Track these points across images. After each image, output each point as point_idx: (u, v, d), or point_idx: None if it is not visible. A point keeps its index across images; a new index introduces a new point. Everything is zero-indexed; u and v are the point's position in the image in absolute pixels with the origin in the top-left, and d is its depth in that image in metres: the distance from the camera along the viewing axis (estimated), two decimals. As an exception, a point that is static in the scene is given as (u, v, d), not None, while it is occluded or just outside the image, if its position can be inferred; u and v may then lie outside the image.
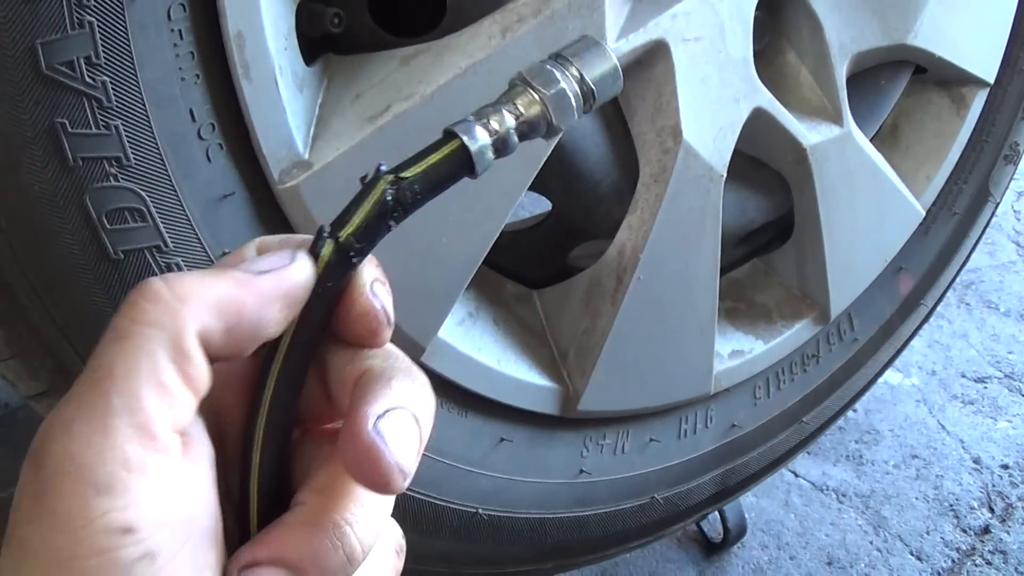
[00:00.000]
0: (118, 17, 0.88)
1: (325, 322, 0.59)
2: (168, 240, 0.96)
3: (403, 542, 0.64)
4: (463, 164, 0.58)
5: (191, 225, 0.97)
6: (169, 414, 0.50)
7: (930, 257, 1.88)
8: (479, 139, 0.58)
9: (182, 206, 0.97)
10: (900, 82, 1.73)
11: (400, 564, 0.64)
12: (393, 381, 0.57)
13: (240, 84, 0.97)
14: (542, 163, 1.18)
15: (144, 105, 0.92)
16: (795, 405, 1.75)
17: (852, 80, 1.55)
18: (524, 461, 1.39)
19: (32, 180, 0.89)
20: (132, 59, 0.90)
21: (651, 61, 1.26)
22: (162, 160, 0.94)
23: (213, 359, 0.53)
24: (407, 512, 1.27)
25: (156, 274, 0.94)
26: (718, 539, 1.96)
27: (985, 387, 2.48)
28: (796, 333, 1.68)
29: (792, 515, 2.07)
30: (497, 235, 1.20)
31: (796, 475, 2.17)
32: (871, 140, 1.67)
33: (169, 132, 0.94)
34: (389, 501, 0.60)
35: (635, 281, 1.34)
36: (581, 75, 0.61)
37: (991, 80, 1.78)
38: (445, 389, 1.27)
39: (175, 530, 0.50)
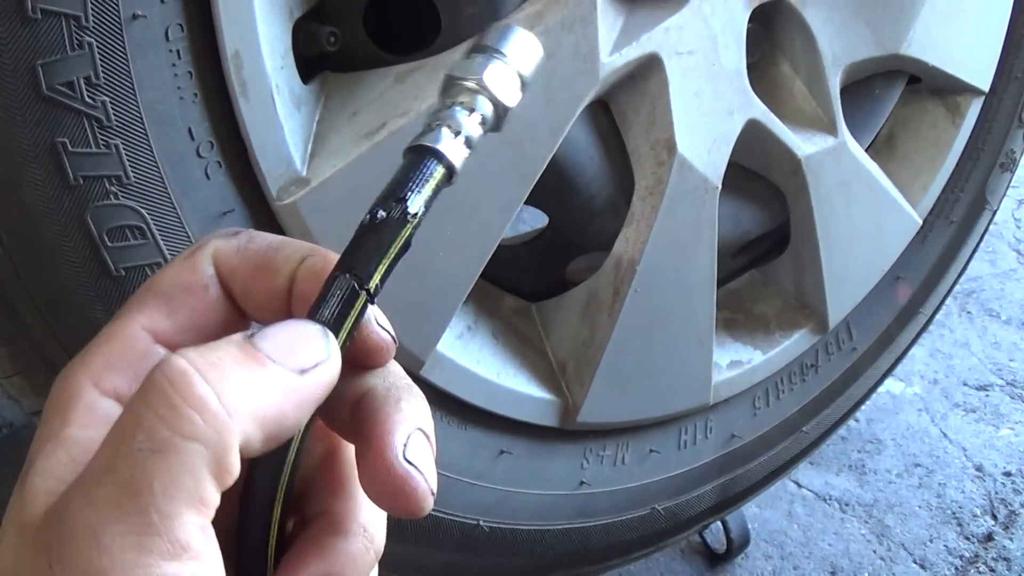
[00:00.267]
0: (117, 38, 0.89)
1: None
2: (169, 257, 0.97)
3: None
4: (447, 180, 0.58)
5: (191, 242, 0.98)
6: (202, 522, 0.47)
7: (928, 266, 1.88)
8: (455, 150, 0.57)
9: (182, 223, 0.98)
10: (894, 92, 1.74)
11: None
12: (402, 403, 0.56)
13: (238, 102, 0.98)
14: (537, 177, 1.19)
15: (143, 124, 0.93)
16: (795, 415, 1.75)
17: (846, 90, 1.56)
18: (524, 473, 1.40)
19: (34, 198, 0.90)
20: (131, 79, 0.91)
21: (645, 75, 1.27)
22: (162, 178, 0.95)
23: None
24: (408, 525, 1.27)
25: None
26: (722, 550, 1.96)
27: (987, 395, 2.48)
28: (794, 343, 1.69)
29: (795, 525, 2.07)
30: (494, 249, 1.21)
31: (799, 485, 2.17)
32: (866, 150, 1.68)
33: (168, 151, 0.95)
34: None
35: (632, 293, 1.35)
36: (502, 52, 0.60)
37: (986, 88, 1.79)
38: (444, 402, 1.27)
39: None
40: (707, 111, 1.33)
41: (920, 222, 1.78)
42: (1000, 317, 2.78)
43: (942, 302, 1.95)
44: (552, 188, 1.29)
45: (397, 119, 1.07)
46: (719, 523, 1.90)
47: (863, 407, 1.98)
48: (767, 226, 1.62)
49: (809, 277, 1.65)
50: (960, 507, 2.12)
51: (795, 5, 1.42)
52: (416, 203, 0.55)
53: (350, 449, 0.59)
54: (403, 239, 0.55)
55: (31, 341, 0.99)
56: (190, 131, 0.97)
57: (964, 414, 2.41)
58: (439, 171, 0.57)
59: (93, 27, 0.88)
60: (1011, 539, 2.04)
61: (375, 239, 0.55)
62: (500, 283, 1.41)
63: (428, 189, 0.56)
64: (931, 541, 2.04)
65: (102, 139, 0.91)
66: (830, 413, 1.81)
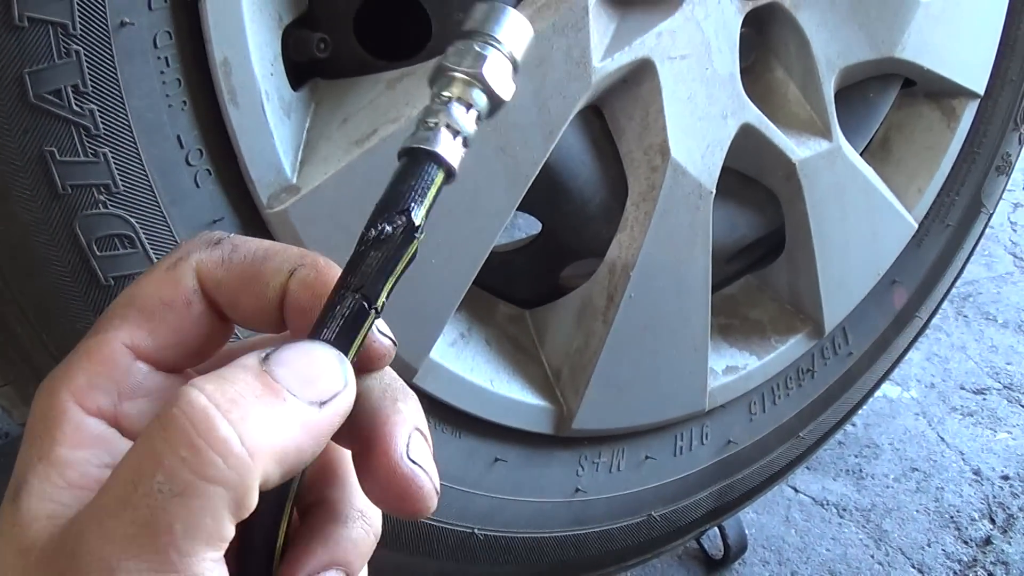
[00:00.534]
0: (104, 46, 0.89)
1: None
2: (158, 267, 0.96)
3: None
4: (446, 180, 0.56)
5: (181, 251, 0.97)
6: (217, 555, 0.47)
7: (924, 270, 1.87)
8: (453, 152, 0.56)
9: (171, 232, 0.97)
10: (889, 95, 1.73)
11: None
12: (399, 403, 0.55)
13: (227, 110, 0.98)
14: (530, 183, 1.19)
15: (132, 132, 0.92)
16: (791, 420, 1.74)
17: (841, 94, 1.55)
18: (519, 481, 1.39)
19: (22, 208, 0.90)
20: (119, 87, 0.90)
21: (637, 79, 1.27)
22: (151, 187, 0.94)
23: None
24: (402, 533, 1.27)
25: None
26: (719, 556, 1.95)
27: (984, 399, 2.47)
28: (790, 348, 1.68)
29: (793, 531, 2.06)
30: (487, 255, 1.20)
31: (796, 490, 2.16)
32: (861, 154, 1.67)
33: (157, 159, 0.95)
34: None
35: (627, 299, 1.34)
36: (496, 37, 0.58)
37: (981, 91, 1.79)
38: (438, 410, 1.27)
39: None
40: (701, 116, 1.32)
41: (916, 226, 1.78)
42: (997, 321, 2.78)
43: (938, 306, 1.95)
44: (545, 194, 1.29)
45: (388, 125, 1.06)
46: (716, 529, 1.90)
47: (860, 412, 1.98)
48: (762, 231, 1.62)
49: (804, 282, 1.65)
50: (958, 511, 2.12)
51: (789, 9, 1.41)
52: (420, 214, 0.54)
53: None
54: (410, 255, 0.55)
55: (21, 352, 0.98)
56: (179, 139, 0.96)
57: (961, 418, 2.40)
58: (439, 176, 0.56)
59: (80, 35, 0.87)
60: (1009, 543, 2.03)
61: (381, 255, 0.54)
62: (494, 290, 1.40)
63: (430, 197, 0.55)
64: (929, 545, 2.03)
65: (90, 147, 0.90)
66: (827, 418, 1.81)
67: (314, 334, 0.53)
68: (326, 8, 1.10)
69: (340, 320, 0.53)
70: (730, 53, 1.35)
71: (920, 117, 1.81)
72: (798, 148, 1.48)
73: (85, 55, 0.88)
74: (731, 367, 1.61)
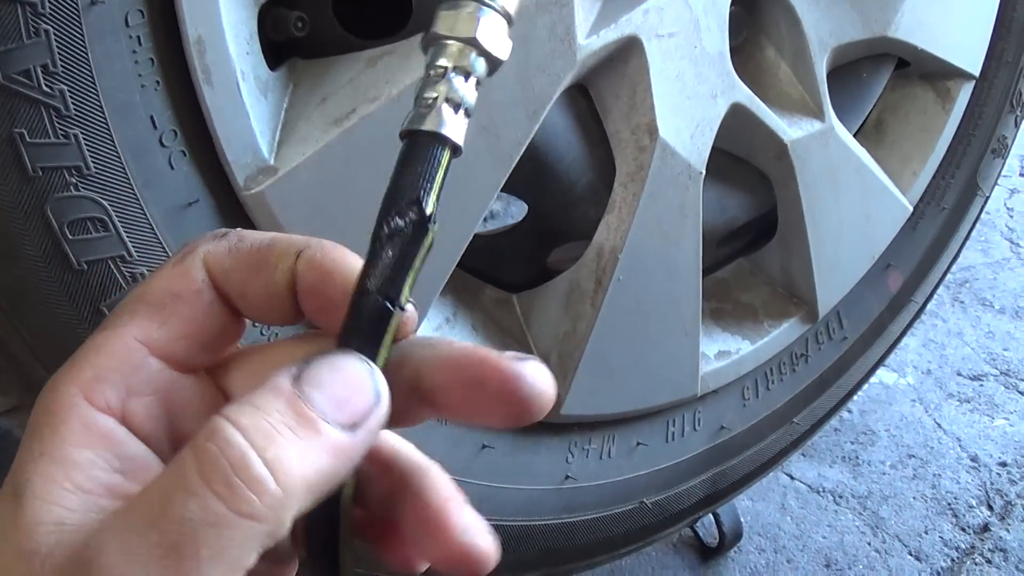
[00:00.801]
0: (74, 24, 0.87)
1: None
2: (132, 250, 0.94)
3: None
4: (453, 156, 0.54)
5: (155, 234, 0.96)
6: None
7: (919, 253, 1.86)
8: (458, 128, 0.54)
9: (145, 215, 0.95)
10: (882, 76, 1.72)
11: None
12: (431, 471, 0.58)
13: (201, 90, 0.96)
14: (515, 163, 1.17)
15: (103, 113, 0.90)
16: (785, 406, 1.73)
17: (833, 74, 1.54)
18: (507, 468, 1.37)
19: (-9, 192, 0.88)
20: (90, 67, 0.88)
21: (624, 57, 1.25)
22: (123, 168, 0.93)
23: None
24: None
25: (121, 284, 0.94)
26: (714, 544, 1.94)
27: (981, 385, 2.47)
28: (784, 333, 1.67)
29: (789, 518, 2.05)
30: (471, 237, 1.18)
31: (792, 477, 2.15)
32: (855, 135, 1.66)
33: (130, 140, 0.93)
34: None
35: (615, 282, 1.33)
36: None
37: (976, 73, 1.78)
38: (424, 397, 1.24)
39: None
40: (689, 95, 1.31)
41: (911, 209, 1.77)
42: (993, 307, 2.77)
43: (934, 290, 1.94)
44: (530, 175, 1.27)
45: (367, 104, 1.05)
46: (711, 517, 1.89)
47: (856, 398, 1.97)
48: (753, 213, 1.60)
49: (797, 265, 1.63)
50: (955, 498, 2.11)
51: (779, -14, 1.40)
52: (431, 202, 0.53)
53: None
54: (427, 247, 0.53)
55: (-7, 339, 0.96)
56: (152, 120, 0.94)
57: (958, 404, 2.40)
58: (446, 156, 0.54)
59: (50, 14, 0.85)
60: (1007, 530, 2.02)
61: (398, 251, 0.53)
62: (480, 273, 1.38)
63: (438, 181, 0.54)
64: (926, 533, 2.02)
65: (61, 129, 0.88)
66: (821, 404, 1.80)
67: (341, 343, 0.52)
68: (304, -14, 1.09)
69: (365, 324, 0.52)
70: (719, 31, 1.33)
71: (914, 98, 1.80)
72: (790, 128, 1.47)
73: (55, 34, 0.86)
74: (723, 352, 1.59)
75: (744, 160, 1.54)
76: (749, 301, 1.67)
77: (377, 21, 1.12)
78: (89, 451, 0.50)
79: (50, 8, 0.85)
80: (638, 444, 1.52)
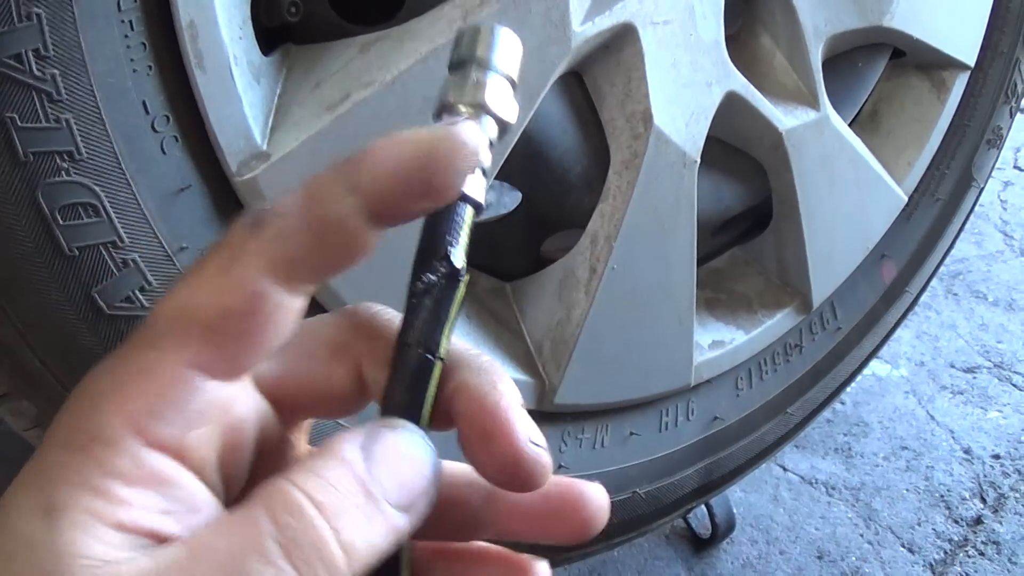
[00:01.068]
0: (66, 8, 0.86)
1: None
2: (124, 235, 0.94)
3: None
4: (476, 214, 0.56)
5: (147, 220, 0.95)
6: None
7: (913, 244, 1.86)
8: (477, 187, 0.55)
9: (137, 200, 0.94)
10: (878, 65, 1.72)
11: None
12: (499, 385, 0.55)
13: (194, 75, 0.95)
14: (508, 150, 1.16)
15: (95, 98, 0.90)
16: (779, 396, 1.73)
17: (828, 63, 1.54)
18: (501, 458, 1.36)
19: (-19, 177, 0.87)
20: (82, 51, 0.88)
21: (619, 45, 1.25)
22: (115, 154, 0.92)
23: None
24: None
25: (113, 271, 0.93)
26: (706, 535, 1.94)
27: (974, 377, 2.47)
28: (778, 323, 1.67)
29: (781, 509, 2.05)
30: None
31: (785, 469, 2.15)
32: (850, 125, 1.66)
33: (122, 125, 0.92)
34: None
35: (609, 271, 1.32)
36: (491, 61, 0.57)
37: (971, 63, 1.77)
38: (417, 385, 1.24)
39: None
40: (685, 83, 1.30)
41: (905, 199, 1.76)
42: (987, 299, 2.77)
43: (928, 281, 1.93)
44: (525, 162, 1.27)
45: (361, 90, 1.04)
46: (704, 508, 1.89)
47: (849, 390, 1.97)
48: (748, 203, 1.60)
49: (792, 255, 1.63)
50: (948, 490, 2.11)
51: (775, -25, 1.40)
52: (459, 256, 0.54)
53: None
54: (460, 299, 0.55)
55: (-19, 323, 0.96)
56: (144, 105, 0.94)
57: (951, 396, 2.40)
58: (469, 213, 0.55)
59: (41, -3, 0.85)
60: (1000, 522, 2.02)
61: (432, 305, 0.54)
62: (474, 262, 1.37)
63: (464, 237, 0.55)
64: (919, 525, 2.02)
65: (52, 113, 0.88)
66: (815, 394, 1.79)
67: (387, 396, 0.54)
68: (297, -29, 1.08)
69: (409, 377, 0.54)
70: (715, 19, 1.32)
71: (910, 89, 1.80)
72: (785, 117, 1.46)
73: (47, 18, 0.85)
74: (717, 341, 1.59)
75: (739, 149, 1.53)
76: (743, 291, 1.67)
77: (370, 7, 1.12)
78: (137, 490, 0.47)
79: (42, -9, 0.85)
80: (631, 434, 1.52)
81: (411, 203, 0.52)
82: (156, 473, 0.48)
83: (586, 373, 1.38)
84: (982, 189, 1.94)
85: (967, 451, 2.22)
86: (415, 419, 0.54)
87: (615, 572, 1.89)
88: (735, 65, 1.37)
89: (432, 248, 0.54)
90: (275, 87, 1.06)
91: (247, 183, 1.00)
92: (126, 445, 0.47)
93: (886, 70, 1.75)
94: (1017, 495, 2.09)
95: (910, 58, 1.75)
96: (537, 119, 1.22)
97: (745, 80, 1.39)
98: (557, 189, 1.34)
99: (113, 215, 0.93)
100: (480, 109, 0.56)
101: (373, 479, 0.49)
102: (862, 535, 2.00)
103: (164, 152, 0.96)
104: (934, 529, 2.01)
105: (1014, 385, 2.43)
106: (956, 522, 2.03)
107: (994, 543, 1.98)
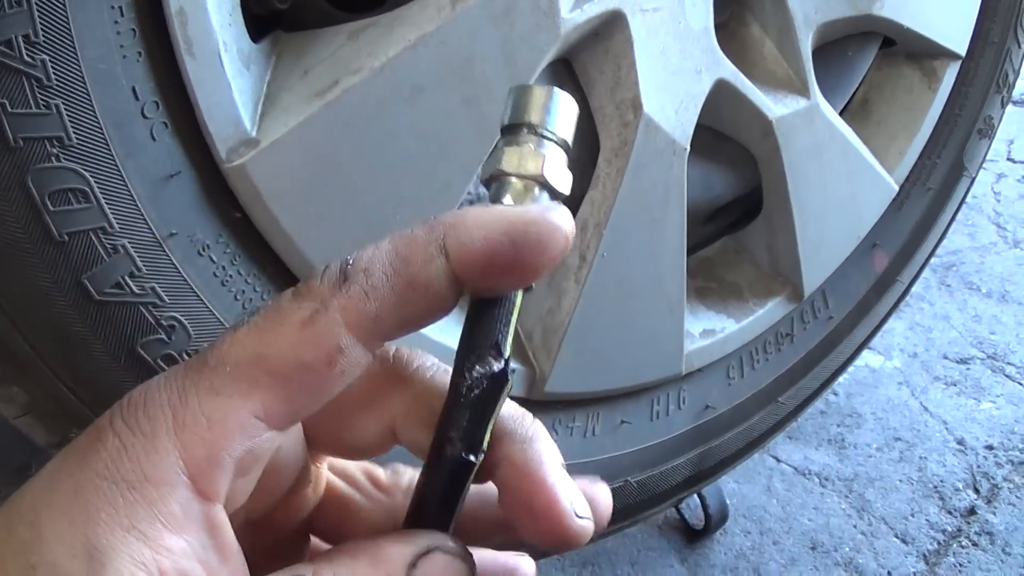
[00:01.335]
0: (56, -6, 0.86)
1: None
2: (113, 221, 0.94)
3: None
4: (525, 296, 0.55)
5: (137, 205, 0.95)
6: None
7: (905, 233, 1.86)
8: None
9: (127, 186, 0.94)
10: (868, 54, 1.72)
11: None
12: (537, 445, 0.55)
13: (183, 61, 0.95)
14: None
15: (85, 84, 0.90)
16: (770, 385, 1.73)
17: (819, 52, 1.54)
18: (493, 446, 1.37)
19: (-30, 162, 0.87)
20: (72, 37, 0.88)
21: (608, 32, 1.25)
22: (105, 140, 0.92)
23: None
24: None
25: (103, 256, 0.93)
26: (700, 526, 1.95)
27: (968, 368, 2.47)
28: (769, 311, 1.67)
29: (774, 500, 2.05)
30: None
31: (778, 460, 2.15)
32: (840, 114, 1.66)
33: (112, 111, 0.92)
34: None
35: (599, 258, 1.32)
36: (547, 128, 0.56)
37: (962, 53, 1.78)
38: (408, 373, 1.24)
39: None
40: (674, 70, 1.30)
41: (896, 188, 1.77)
42: (980, 290, 2.77)
43: (920, 271, 1.94)
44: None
45: (350, 77, 1.04)
46: (697, 499, 1.89)
47: (842, 381, 1.98)
48: (738, 191, 1.60)
49: (783, 244, 1.63)
50: (942, 481, 2.11)
51: (764, -37, 1.40)
52: (508, 345, 0.53)
53: None
54: (506, 394, 0.53)
55: (-27, 313, 0.96)
56: (134, 91, 0.94)
57: (945, 387, 2.40)
58: (519, 296, 0.54)
59: (31, -18, 0.85)
60: (994, 513, 2.03)
61: (479, 404, 0.53)
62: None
63: (514, 323, 0.54)
64: (912, 515, 2.03)
65: (42, 99, 0.88)
66: (807, 384, 1.80)
67: (426, 503, 0.53)
68: (286, -42, 1.08)
69: (448, 479, 0.53)
70: (704, 7, 1.32)
71: (900, 78, 1.80)
72: (775, 105, 1.46)
73: (36, 4, 0.85)
74: (708, 330, 1.59)
75: (729, 137, 1.53)
76: (734, 280, 1.67)
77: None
78: (183, 538, 0.47)
79: (31, -23, 0.85)
80: (622, 422, 1.52)
81: (495, 277, 0.51)
82: (201, 520, 0.48)
83: (577, 361, 1.38)
84: (973, 179, 1.94)
85: (960, 442, 2.22)
86: (451, 513, 0.53)
87: (608, 563, 1.89)
88: (725, 54, 1.38)
89: (482, 336, 0.52)
90: (264, 74, 1.06)
91: (236, 169, 1.00)
92: (181, 493, 0.47)
93: (877, 59, 1.75)
94: (1010, 486, 2.10)
95: (901, 47, 1.75)
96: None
97: (735, 68, 1.39)
98: (546, 176, 1.33)
99: (103, 201, 0.93)
100: (536, 182, 0.54)
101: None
102: (855, 526, 2.00)
103: (154, 138, 0.96)
104: (927, 520, 2.01)
105: (1007, 376, 2.44)
106: (949, 513, 2.03)
107: (987, 534, 1.98)
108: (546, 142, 0.55)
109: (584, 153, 1.33)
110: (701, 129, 1.38)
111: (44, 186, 0.90)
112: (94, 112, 0.91)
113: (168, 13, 0.94)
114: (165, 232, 0.98)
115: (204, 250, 1.01)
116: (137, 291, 0.96)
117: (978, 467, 2.15)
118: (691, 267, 1.47)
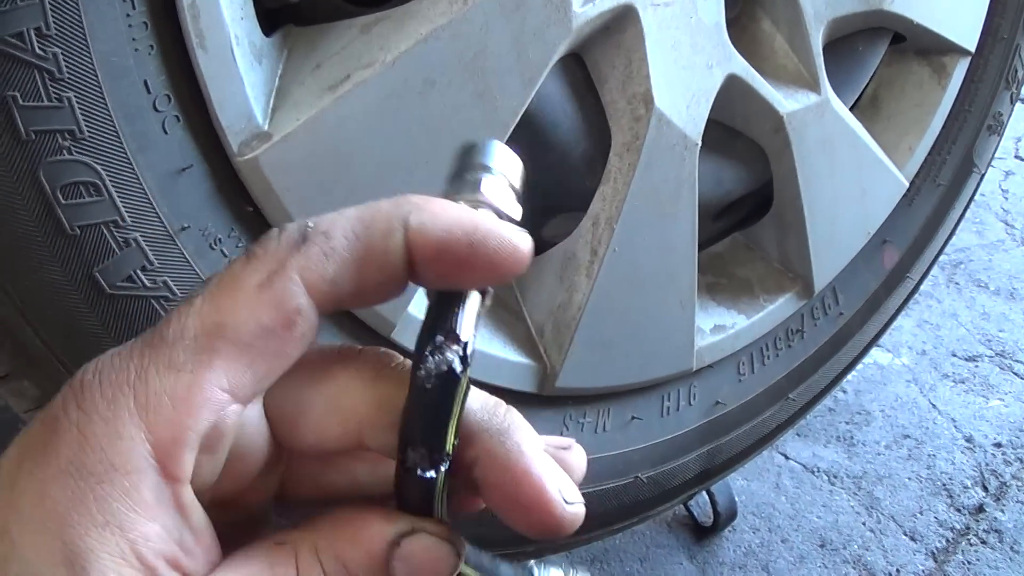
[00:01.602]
0: (69, -13, 0.86)
1: None
2: (125, 215, 0.94)
3: None
4: (483, 303, 0.54)
5: (148, 199, 0.95)
6: None
7: (915, 229, 1.86)
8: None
9: (139, 180, 0.94)
10: (878, 49, 1.72)
11: None
12: (516, 434, 0.53)
13: (196, 54, 0.95)
14: (510, 131, 1.17)
15: (97, 77, 0.90)
16: (780, 381, 1.72)
17: (829, 47, 1.54)
18: (503, 442, 1.36)
19: (-17, 155, 0.87)
20: (84, 30, 0.88)
21: (620, 26, 1.25)
22: (117, 133, 0.92)
23: None
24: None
25: (114, 250, 0.93)
26: (708, 523, 1.94)
27: (976, 366, 2.47)
28: (779, 307, 1.67)
29: (783, 497, 2.05)
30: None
31: (787, 457, 2.15)
32: (851, 110, 1.65)
33: (123, 104, 0.92)
34: None
35: (611, 253, 1.32)
36: (484, 164, 0.56)
37: (972, 49, 1.77)
38: (417, 367, 1.24)
39: None
40: (685, 65, 1.30)
41: (906, 184, 1.76)
42: (988, 288, 2.76)
43: (930, 267, 1.93)
44: (526, 144, 1.25)
45: (362, 71, 1.04)
46: (706, 496, 1.89)
47: (850, 378, 1.97)
48: (749, 186, 1.60)
49: (793, 240, 1.63)
50: (950, 479, 2.11)
51: (775, -42, 1.40)
52: (467, 330, 0.51)
53: None
54: (464, 390, 0.51)
55: (-19, 301, 0.96)
56: (146, 84, 0.94)
57: (953, 385, 2.40)
58: (475, 300, 0.53)
59: (43, -25, 0.85)
60: (1002, 511, 2.02)
61: (436, 399, 0.50)
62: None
63: (474, 316, 0.52)
64: (921, 513, 2.02)
65: (54, 92, 0.88)
66: (817, 380, 1.79)
67: (405, 505, 0.52)
68: (298, -48, 1.08)
69: (416, 492, 0.52)
70: (715, 2, 1.32)
71: (910, 74, 1.80)
72: (785, 100, 1.46)
73: (48, -4, 0.85)
74: (719, 326, 1.59)
75: (740, 133, 1.53)
76: (745, 276, 1.67)
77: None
78: (158, 523, 0.46)
79: (43, -30, 0.85)
80: (633, 418, 1.51)
81: (444, 269, 0.51)
82: (172, 503, 0.47)
83: (588, 356, 1.38)
84: (983, 175, 1.94)
85: (969, 439, 2.22)
86: (430, 506, 0.53)
87: (618, 560, 1.89)
88: (736, 48, 1.37)
89: (439, 325, 0.51)
90: (276, 68, 1.06)
91: (248, 163, 1.00)
92: (150, 477, 0.46)
93: (887, 55, 1.75)
94: (1019, 483, 2.09)
95: (910, 43, 1.75)
96: (538, 101, 1.21)
97: (746, 63, 1.39)
98: (558, 170, 1.33)
99: (115, 194, 0.93)
100: (479, 203, 0.54)
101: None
102: (864, 523, 2.00)
103: (166, 132, 0.96)
104: (936, 517, 2.01)
105: (1015, 374, 2.43)
106: (958, 510, 2.03)
107: (996, 531, 1.98)
108: (484, 174, 0.55)
109: (596, 148, 1.33)
110: (712, 124, 1.38)
111: (56, 179, 0.90)
112: (106, 105, 0.91)
113: (180, 6, 0.93)
114: (177, 226, 0.98)
115: (216, 244, 1.01)
116: (149, 285, 0.96)
117: (987, 465, 2.15)
118: (702, 263, 1.47)
